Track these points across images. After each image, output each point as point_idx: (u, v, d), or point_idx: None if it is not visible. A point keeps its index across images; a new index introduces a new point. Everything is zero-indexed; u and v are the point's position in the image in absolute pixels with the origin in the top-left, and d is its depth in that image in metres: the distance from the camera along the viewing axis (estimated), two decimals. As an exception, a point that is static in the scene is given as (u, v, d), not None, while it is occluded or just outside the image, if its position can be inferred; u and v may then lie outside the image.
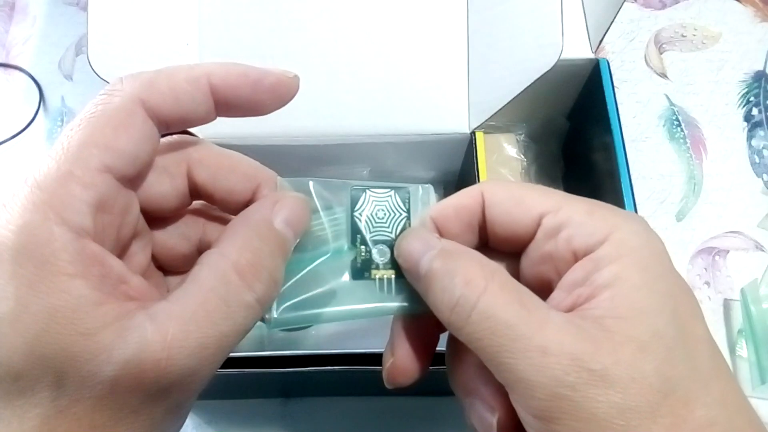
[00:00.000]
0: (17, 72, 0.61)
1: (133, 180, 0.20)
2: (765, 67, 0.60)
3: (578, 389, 0.18)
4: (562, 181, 0.52)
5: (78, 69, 0.61)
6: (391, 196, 0.25)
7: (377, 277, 0.24)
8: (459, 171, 0.49)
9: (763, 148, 0.56)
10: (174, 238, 0.23)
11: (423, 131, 0.43)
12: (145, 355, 0.18)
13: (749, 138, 0.57)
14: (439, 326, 0.23)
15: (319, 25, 0.42)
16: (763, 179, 0.55)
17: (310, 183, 0.24)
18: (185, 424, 0.46)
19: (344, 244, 0.24)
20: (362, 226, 0.24)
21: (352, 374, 0.38)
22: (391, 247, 0.24)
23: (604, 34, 0.43)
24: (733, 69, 0.59)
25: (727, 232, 0.53)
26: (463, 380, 0.23)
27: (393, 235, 0.24)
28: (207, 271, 0.20)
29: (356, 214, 0.24)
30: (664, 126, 0.57)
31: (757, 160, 0.56)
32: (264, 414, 0.46)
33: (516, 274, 0.23)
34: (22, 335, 0.17)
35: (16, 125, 0.58)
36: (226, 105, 0.22)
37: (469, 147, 0.43)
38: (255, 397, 0.47)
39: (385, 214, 0.24)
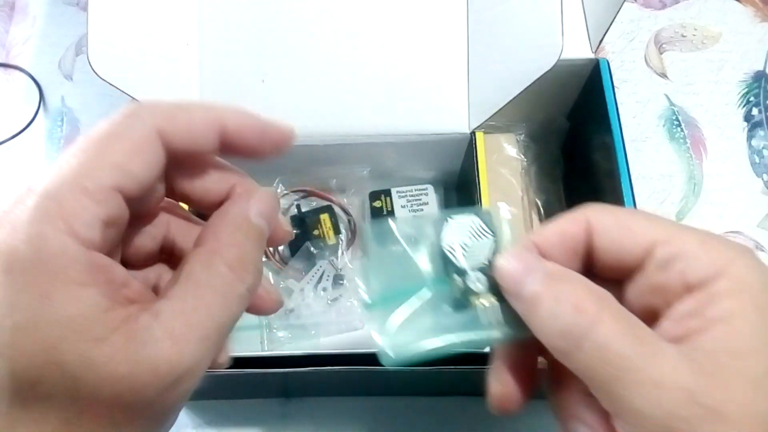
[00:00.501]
0: (17, 72, 0.61)
1: (136, 199, 0.21)
2: (765, 67, 0.60)
3: (692, 424, 0.18)
4: (562, 181, 0.52)
5: (78, 69, 0.61)
6: (473, 220, 0.25)
7: (477, 304, 0.24)
8: (459, 171, 0.49)
9: (763, 148, 0.56)
10: (142, 236, 0.24)
11: (423, 131, 0.43)
12: (156, 352, 0.19)
13: (749, 138, 0.57)
14: (541, 349, 0.23)
15: (319, 25, 0.42)
16: (763, 179, 0.55)
17: (391, 223, 0.25)
18: (185, 424, 0.46)
19: (438, 276, 0.24)
20: (452, 255, 0.24)
21: (352, 374, 0.38)
22: (485, 272, 0.24)
23: (604, 34, 0.43)
24: (733, 69, 0.59)
25: (727, 232, 0.53)
26: (567, 405, 0.23)
27: (485, 260, 0.24)
28: (200, 268, 0.21)
29: (444, 244, 0.24)
30: (664, 126, 0.57)
31: (757, 160, 0.56)
32: (264, 414, 0.46)
33: (620, 300, 0.22)
34: (39, 344, 0.18)
35: (16, 125, 0.58)
36: (231, 147, 0.23)
37: (469, 147, 0.43)
38: (255, 397, 0.47)
39: (472, 240, 0.24)
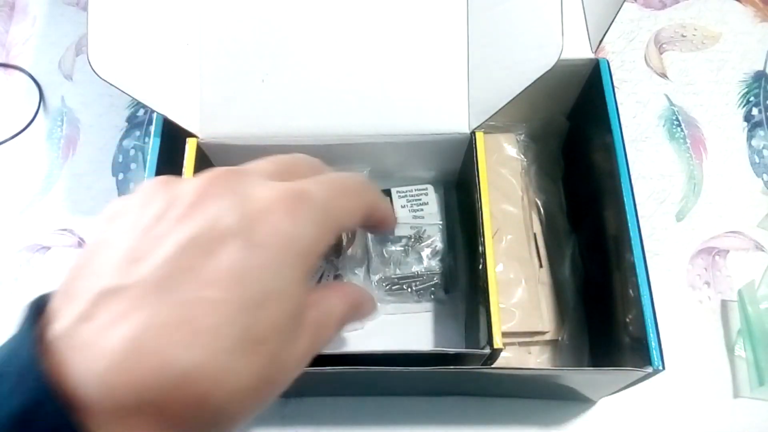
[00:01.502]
0: (17, 72, 0.61)
1: None
2: (765, 67, 0.60)
3: None
4: (562, 181, 0.52)
5: (78, 69, 0.61)
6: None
7: None
8: (459, 171, 0.49)
9: (763, 148, 0.56)
10: None
11: (423, 131, 0.43)
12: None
13: (749, 138, 0.57)
14: None
15: (319, 25, 0.42)
16: (763, 179, 0.55)
17: None
18: (185, 424, 0.46)
19: None
20: None
21: (352, 374, 0.38)
22: None
23: (604, 34, 0.43)
24: (733, 69, 0.59)
25: (727, 232, 0.53)
26: None
27: None
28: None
29: None
30: (664, 126, 0.57)
31: (757, 160, 0.56)
32: (264, 414, 0.46)
33: None
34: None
35: (16, 125, 0.58)
36: (368, 225, 0.29)
37: (469, 147, 0.43)
38: (255, 397, 0.47)
39: None
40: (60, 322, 0.20)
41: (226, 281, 0.21)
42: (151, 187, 0.24)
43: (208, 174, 0.24)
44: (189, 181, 0.24)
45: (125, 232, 0.22)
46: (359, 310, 0.28)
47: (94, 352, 0.19)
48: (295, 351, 0.23)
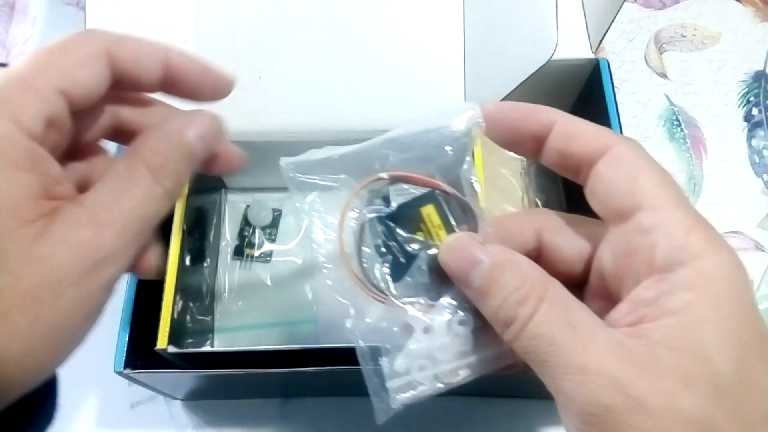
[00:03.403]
0: (17, 72, 0.61)
1: (77, 112, 0.23)
2: (765, 67, 0.60)
3: (612, 411, 0.18)
4: (562, 181, 0.52)
5: (78, 69, 0.61)
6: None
7: None
8: (458, 169, 0.49)
9: (763, 148, 0.56)
10: (89, 128, 0.26)
11: None
12: (79, 234, 0.21)
13: (749, 138, 0.57)
14: None
15: (316, 22, 0.42)
16: (763, 179, 0.55)
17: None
18: (185, 424, 0.46)
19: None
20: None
21: (352, 374, 0.38)
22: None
23: (604, 34, 0.43)
24: (733, 69, 0.59)
25: (727, 232, 0.53)
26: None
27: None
28: (124, 167, 0.23)
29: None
30: (664, 126, 0.57)
31: (757, 160, 0.56)
32: (264, 414, 0.46)
33: (583, 263, 0.24)
34: None
35: (16, 125, 0.58)
36: (173, 85, 0.25)
37: (467, 145, 0.43)
38: (255, 397, 0.47)
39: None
40: None
41: None
42: None
43: None
44: None
45: None
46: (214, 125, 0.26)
47: None
48: (53, 254, 0.20)
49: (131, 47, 0.24)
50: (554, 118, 0.24)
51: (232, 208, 0.51)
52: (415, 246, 0.26)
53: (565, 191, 0.51)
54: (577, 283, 0.25)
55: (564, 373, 0.19)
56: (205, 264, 0.47)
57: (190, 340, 0.46)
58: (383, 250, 0.26)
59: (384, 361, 0.25)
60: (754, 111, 0.58)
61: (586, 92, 0.47)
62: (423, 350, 0.24)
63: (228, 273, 0.49)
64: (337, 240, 0.26)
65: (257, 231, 0.50)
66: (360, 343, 0.25)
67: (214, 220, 0.49)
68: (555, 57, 0.36)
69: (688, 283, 0.20)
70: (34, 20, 0.63)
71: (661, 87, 0.59)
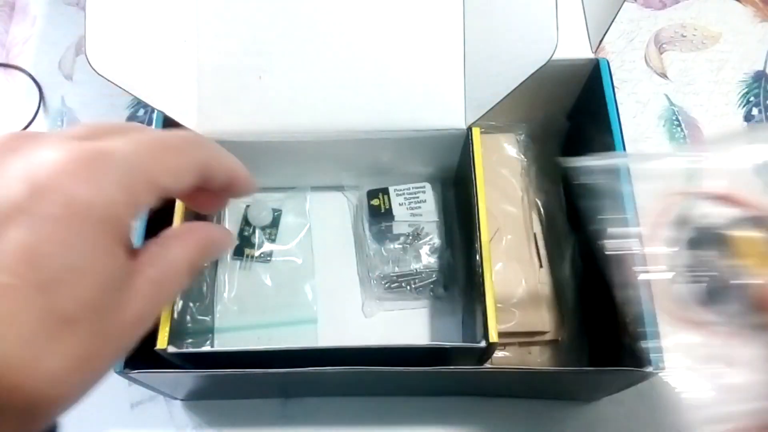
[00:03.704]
0: (17, 72, 0.61)
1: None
2: (765, 67, 0.59)
3: None
4: (562, 181, 0.52)
5: (78, 69, 0.61)
6: None
7: None
8: (456, 167, 0.49)
9: (763, 148, 0.56)
10: None
11: (419, 127, 0.43)
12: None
13: (749, 138, 0.57)
14: None
15: (316, 21, 0.42)
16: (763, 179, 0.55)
17: None
18: (185, 424, 0.46)
19: None
20: None
21: (353, 374, 0.38)
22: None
23: (604, 34, 0.43)
24: (733, 69, 0.59)
25: (727, 232, 0.53)
26: None
27: None
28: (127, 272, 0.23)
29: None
30: (664, 126, 0.57)
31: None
32: (264, 414, 0.46)
33: None
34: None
35: (16, 125, 0.58)
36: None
37: (465, 143, 0.43)
38: (255, 397, 0.47)
39: None
40: None
41: (16, 264, 0.19)
42: None
43: None
44: None
45: None
46: (210, 249, 0.26)
47: None
48: (124, 319, 0.21)
49: (222, 165, 0.25)
50: None
51: (231, 208, 0.51)
52: (733, 271, 0.24)
53: (566, 191, 0.51)
54: None
55: None
56: (205, 264, 0.47)
57: (190, 341, 0.46)
58: (694, 272, 0.24)
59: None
60: (754, 111, 0.58)
61: (586, 92, 0.47)
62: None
63: (228, 273, 0.49)
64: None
65: (257, 231, 0.50)
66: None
67: (214, 220, 0.49)
68: (555, 57, 0.36)
69: None
70: (34, 20, 0.63)
71: (661, 87, 0.59)
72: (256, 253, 0.49)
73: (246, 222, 0.50)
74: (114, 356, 0.22)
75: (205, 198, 0.27)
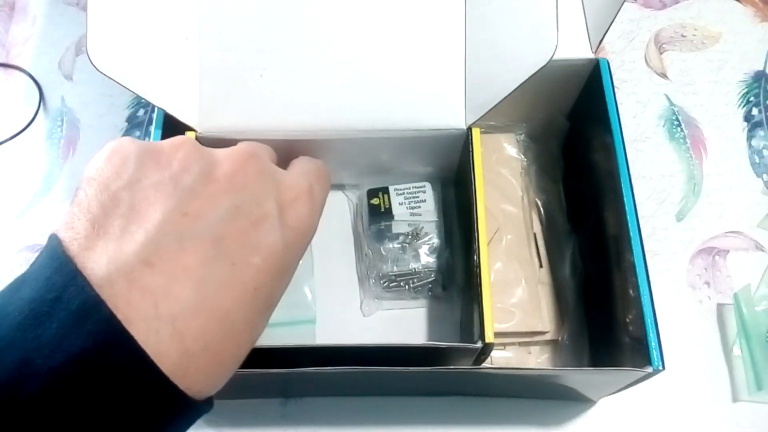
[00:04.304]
0: (17, 72, 0.61)
1: None
2: (765, 67, 0.60)
3: None
4: (562, 181, 0.52)
5: (78, 69, 0.61)
6: None
7: None
8: (456, 167, 0.49)
9: (763, 148, 0.56)
10: None
11: (419, 126, 0.43)
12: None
13: (749, 138, 0.57)
14: None
15: (317, 20, 0.42)
16: (763, 179, 0.55)
17: None
18: (185, 423, 0.46)
19: None
20: None
21: (353, 375, 0.38)
22: None
23: (604, 34, 0.43)
24: (733, 69, 0.59)
25: (727, 232, 0.53)
26: None
27: None
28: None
29: None
30: (664, 126, 0.57)
31: (757, 160, 0.56)
32: (264, 414, 0.46)
33: None
34: None
35: (16, 125, 0.58)
36: None
37: (465, 143, 0.43)
38: (255, 397, 0.47)
39: None
40: (114, 264, 0.21)
41: (267, 252, 0.25)
42: (184, 146, 0.27)
43: (237, 151, 0.29)
44: (223, 153, 0.28)
45: (162, 182, 0.24)
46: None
47: (160, 298, 0.21)
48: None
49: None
50: None
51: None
52: None
53: (565, 191, 0.51)
54: None
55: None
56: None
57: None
58: None
59: None
60: (754, 111, 0.58)
61: (586, 92, 0.47)
62: None
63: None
64: None
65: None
66: None
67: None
68: (555, 57, 0.36)
69: None
70: (34, 20, 0.63)
71: (661, 87, 0.59)
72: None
73: None
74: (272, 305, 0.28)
75: None
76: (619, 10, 0.40)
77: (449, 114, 0.42)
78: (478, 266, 0.38)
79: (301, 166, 0.34)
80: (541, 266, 0.48)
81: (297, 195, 0.30)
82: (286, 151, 0.39)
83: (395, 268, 0.48)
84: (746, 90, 0.58)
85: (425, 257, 0.49)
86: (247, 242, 0.25)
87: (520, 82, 0.38)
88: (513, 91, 0.38)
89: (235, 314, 0.24)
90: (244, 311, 0.24)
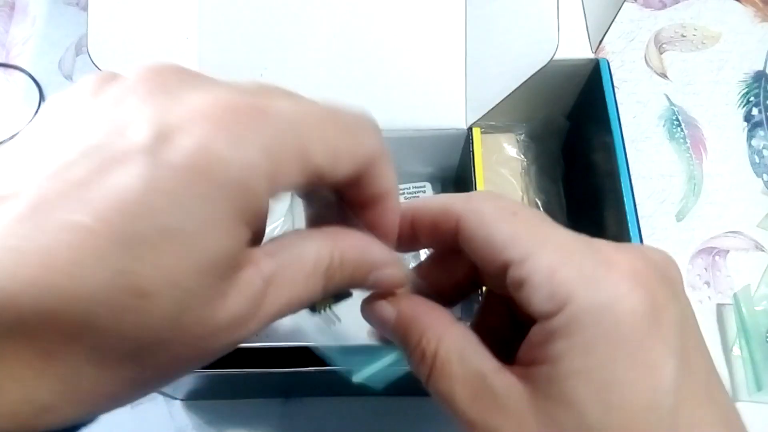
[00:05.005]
0: (17, 72, 0.61)
1: None
2: (765, 67, 0.60)
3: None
4: (562, 181, 0.52)
5: (78, 69, 0.61)
6: None
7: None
8: (457, 167, 0.49)
9: (763, 148, 0.56)
10: None
11: (420, 126, 0.43)
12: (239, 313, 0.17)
13: (749, 138, 0.57)
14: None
15: (318, 20, 0.42)
16: (763, 179, 0.55)
17: None
18: (186, 424, 0.46)
19: None
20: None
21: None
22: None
23: (604, 34, 0.43)
24: (733, 69, 0.59)
25: (727, 232, 0.53)
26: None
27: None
28: (312, 249, 0.19)
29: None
30: (664, 126, 0.57)
31: (757, 160, 0.56)
32: (264, 414, 0.46)
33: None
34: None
35: (16, 125, 0.58)
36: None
37: (466, 143, 0.43)
38: (255, 397, 0.47)
39: None
40: None
41: (108, 207, 0.15)
42: (89, 79, 0.18)
43: (153, 67, 0.18)
44: (130, 73, 0.18)
45: (44, 131, 0.17)
46: (364, 267, 0.21)
47: None
48: (215, 319, 0.17)
49: (388, 173, 0.22)
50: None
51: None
52: None
53: (565, 191, 0.51)
54: None
55: (461, 429, 0.20)
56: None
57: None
58: None
59: None
60: (754, 111, 0.58)
61: (586, 92, 0.47)
62: None
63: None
64: None
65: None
66: None
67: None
68: (555, 57, 0.36)
69: (560, 331, 0.19)
70: (34, 20, 0.63)
71: (661, 87, 0.59)
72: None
73: None
74: (184, 366, 0.17)
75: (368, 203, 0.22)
76: (619, 10, 0.40)
77: (450, 114, 0.42)
78: None
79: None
80: (541, 266, 0.48)
81: (199, 114, 0.16)
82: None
83: (395, 268, 0.48)
84: (746, 90, 0.58)
85: (425, 257, 0.49)
86: (83, 194, 0.15)
87: (521, 81, 0.38)
88: (513, 91, 0.38)
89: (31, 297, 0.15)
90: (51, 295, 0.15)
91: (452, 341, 0.21)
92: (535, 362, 0.19)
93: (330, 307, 0.24)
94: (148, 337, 0.16)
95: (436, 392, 0.21)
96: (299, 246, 0.19)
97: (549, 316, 0.19)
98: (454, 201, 0.22)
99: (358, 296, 0.25)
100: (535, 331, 0.20)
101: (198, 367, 0.18)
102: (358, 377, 0.25)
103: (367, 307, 0.24)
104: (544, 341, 0.19)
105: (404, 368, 0.24)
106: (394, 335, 0.23)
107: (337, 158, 0.19)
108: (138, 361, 0.16)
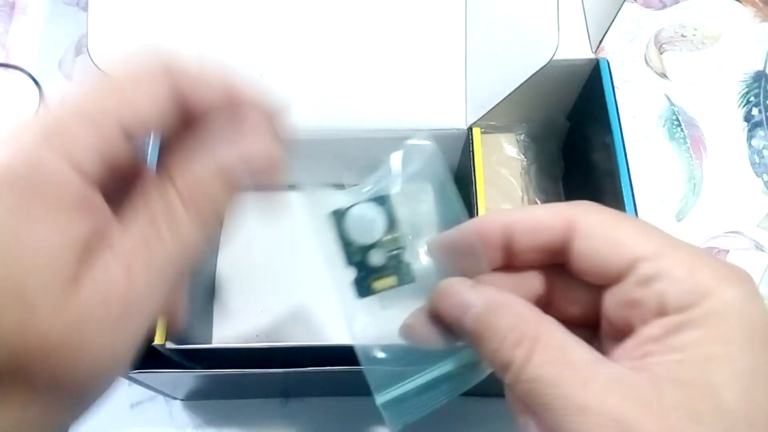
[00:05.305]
0: (17, 72, 0.61)
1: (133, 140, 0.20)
2: (765, 67, 0.60)
3: None
4: (562, 181, 0.52)
5: (78, 69, 0.61)
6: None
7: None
8: (457, 167, 0.49)
9: (763, 148, 0.56)
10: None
11: (420, 126, 0.43)
12: (109, 283, 0.18)
13: (749, 138, 0.57)
14: None
15: (317, 20, 0.42)
16: (763, 179, 0.55)
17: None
18: (186, 424, 0.46)
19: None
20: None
21: (353, 374, 0.38)
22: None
23: (604, 34, 0.43)
24: (733, 69, 0.59)
25: (727, 232, 0.53)
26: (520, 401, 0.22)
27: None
28: (156, 201, 0.20)
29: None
30: (664, 126, 0.57)
31: (757, 160, 0.56)
32: (264, 414, 0.46)
33: (595, 304, 0.22)
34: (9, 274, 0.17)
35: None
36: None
37: (466, 143, 0.43)
38: (255, 397, 0.47)
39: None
40: None
41: None
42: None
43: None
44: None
45: None
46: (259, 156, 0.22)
47: None
48: (66, 315, 0.17)
49: (193, 72, 0.22)
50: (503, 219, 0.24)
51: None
52: None
53: (566, 191, 0.51)
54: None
55: (565, 416, 0.19)
56: (205, 260, 0.47)
57: (189, 338, 0.46)
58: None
59: None
60: (754, 111, 0.58)
61: (586, 92, 0.47)
62: None
63: (228, 270, 0.49)
64: None
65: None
66: None
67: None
68: (555, 57, 0.36)
69: (696, 322, 0.19)
70: (34, 20, 0.63)
71: (661, 87, 0.59)
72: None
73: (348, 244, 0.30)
74: (89, 379, 0.19)
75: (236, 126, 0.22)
76: (619, 10, 0.40)
77: (450, 114, 0.42)
78: None
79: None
80: (541, 266, 0.48)
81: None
82: (287, 150, 0.39)
83: (396, 268, 0.48)
84: (746, 90, 0.58)
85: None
86: None
87: (521, 81, 0.38)
88: (513, 91, 0.38)
89: None
90: None
91: (554, 327, 0.21)
92: (654, 354, 0.20)
93: (388, 289, 0.24)
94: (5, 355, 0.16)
95: (534, 378, 0.20)
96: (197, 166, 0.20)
97: (685, 308, 0.20)
98: (560, 206, 0.23)
99: (410, 295, 0.25)
100: (654, 328, 0.20)
101: (119, 374, 0.19)
102: (381, 398, 0.24)
103: (444, 291, 0.24)
104: (670, 332, 0.20)
105: (442, 399, 0.23)
106: (475, 324, 0.22)
107: (133, 104, 0.20)
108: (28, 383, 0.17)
